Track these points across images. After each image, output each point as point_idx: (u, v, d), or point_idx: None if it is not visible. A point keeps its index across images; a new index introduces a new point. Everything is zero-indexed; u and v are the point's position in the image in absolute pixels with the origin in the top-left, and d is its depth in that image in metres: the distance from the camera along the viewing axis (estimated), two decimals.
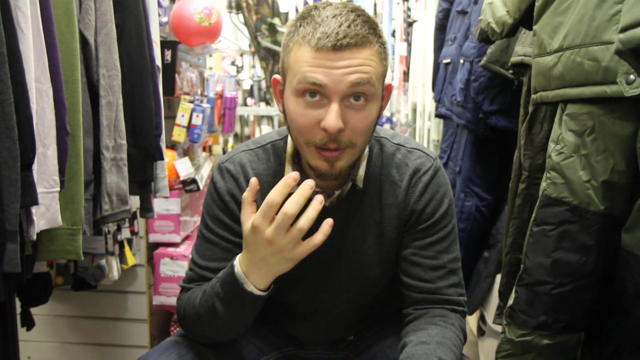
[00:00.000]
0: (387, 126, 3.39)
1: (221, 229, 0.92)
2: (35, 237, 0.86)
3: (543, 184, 0.99)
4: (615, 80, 0.85)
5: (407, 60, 3.91)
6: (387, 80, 0.86)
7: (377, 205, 0.93)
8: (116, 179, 1.10)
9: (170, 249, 1.77)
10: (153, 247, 1.78)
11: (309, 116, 0.79)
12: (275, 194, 0.76)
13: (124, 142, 1.14)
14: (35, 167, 0.85)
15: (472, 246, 2.04)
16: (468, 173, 2.04)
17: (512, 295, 1.01)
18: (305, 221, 0.77)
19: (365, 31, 0.77)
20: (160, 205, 1.75)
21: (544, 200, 0.96)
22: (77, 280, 1.56)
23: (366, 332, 1.05)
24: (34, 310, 1.40)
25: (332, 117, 0.77)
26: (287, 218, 0.76)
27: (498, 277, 1.85)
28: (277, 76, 0.86)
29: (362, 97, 0.79)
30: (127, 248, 1.64)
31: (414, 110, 4.09)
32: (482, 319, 1.91)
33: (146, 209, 1.26)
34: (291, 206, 0.76)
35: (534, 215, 0.99)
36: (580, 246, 0.91)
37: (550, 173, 0.97)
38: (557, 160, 0.95)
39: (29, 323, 1.41)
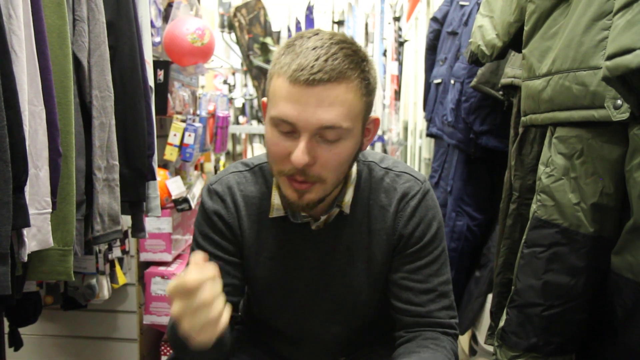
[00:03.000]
0: (378, 145, 3.41)
1: (211, 247, 0.93)
2: (26, 258, 0.85)
3: (533, 206, 1.00)
4: (603, 104, 0.86)
5: (399, 79, 3.95)
6: (374, 113, 0.86)
7: (366, 231, 0.93)
8: (108, 199, 1.10)
9: (162, 268, 1.76)
10: (144, 266, 1.77)
11: (280, 146, 0.80)
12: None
13: (117, 162, 1.14)
14: (27, 188, 0.84)
15: (463, 265, 2.04)
16: (459, 192, 2.05)
17: (503, 316, 1.02)
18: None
19: (344, 66, 0.75)
20: (151, 224, 1.74)
21: (534, 223, 0.97)
22: (67, 300, 1.55)
23: (357, 353, 1.04)
24: (22, 330, 1.38)
25: (298, 152, 0.77)
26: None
27: (489, 297, 1.86)
28: (264, 100, 0.87)
29: (334, 134, 0.78)
30: (117, 267, 1.63)
31: (405, 129, 4.12)
32: (473, 338, 1.91)
33: (138, 228, 1.25)
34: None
35: (524, 237, 1.00)
36: (570, 268, 0.92)
37: (540, 195, 0.98)
38: (547, 183, 0.96)
39: (16, 343, 1.39)
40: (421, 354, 0.86)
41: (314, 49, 0.76)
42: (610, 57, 0.70)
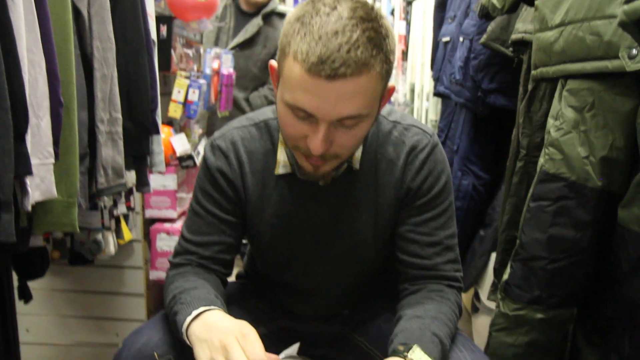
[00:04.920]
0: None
1: (209, 204, 0.92)
2: (29, 207, 0.85)
3: (541, 160, 0.98)
4: (617, 55, 0.84)
5: (406, 39, 3.87)
6: (390, 82, 0.81)
7: (373, 185, 0.92)
8: (112, 152, 1.09)
9: (167, 225, 1.77)
10: (149, 222, 1.78)
11: (297, 128, 0.77)
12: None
13: (119, 115, 1.12)
14: (29, 138, 0.83)
15: (468, 224, 2.05)
16: (465, 152, 2.04)
17: (507, 270, 1.02)
18: None
19: (367, 54, 0.70)
20: (156, 181, 1.74)
21: (541, 176, 0.96)
22: (74, 255, 1.56)
23: (361, 306, 1.05)
24: (31, 284, 1.40)
25: (317, 142, 0.75)
26: None
27: (493, 255, 1.86)
28: (273, 63, 0.82)
29: (354, 121, 0.75)
30: (123, 223, 1.63)
31: (412, 91, 4.07)
32: (476, 296, 1.93)
33: (142, 183, 1.25)
34: None
35: (531, 190, 0.99)
36: (576, 222, 0.92)
37: (548, 149, 0.96)
38: (556, 136, 0.95)
39: (26, 296, 1.42)
40: (425, 306, 0.86)
41: (335, 34, 0.69)
42: (628, 0, 0.67)
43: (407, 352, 0.72)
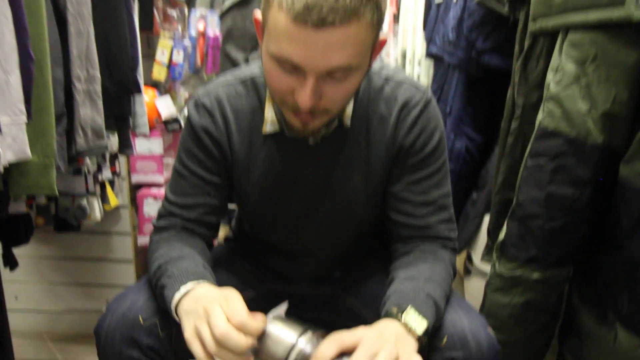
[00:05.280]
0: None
1: (193, 164, 0.89)
2: (1, 169, 0.81)
3: (540, 116, 0.95)
4: (622, 2, 0.79)
5: (397, 1, 3.76)
6: (382, 35, 0.76)
7: (364, 142, 0.88)
8: (90, 112, 1.04)
9: (154, 190, 1.73)
10: (136, 188, 1.74)
11: (283, 82, 0.73)
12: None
13: (98, 73, 1.06)
14: None
15: (460, 187, 2.02)
16: (458, 113, 2.00)
17: (503, 229, 0.99)
18: None
19: (357, 1, 0.65)
20: (142, 145, 1.69)
21: (540, 133, 0.93)
22: (59, 221, 1.53)
23: (353, 268, 1.03)
24: (18, 252, 1.37)
25: (305, 96, 0.70)
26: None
27: (486, 218, 1.85)
28: (257, 15, 0.76)
29: (343, 73, 0.71)
30: (108, 189, 1.59)
31: (404, 57, 3.98)
32: (468, 258, 1.92)
33: (125, 144, 1.21)
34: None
35: (529, 147, 0.95)
36: (575, 179, 0.89)
37: (547, 104, 0.92)
38: (556, 91, 0.90)
39: (11, 263, 1.38)
40: (419, 267, 0.84)
41: None
42: None
43: (401, 313, 0.70)
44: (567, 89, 0.89)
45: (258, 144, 0.88)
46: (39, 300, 1.81)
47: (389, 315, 0.71)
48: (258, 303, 1.02)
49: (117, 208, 1.69)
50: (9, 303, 1.80)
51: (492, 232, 1.35)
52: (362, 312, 0.98)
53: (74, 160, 1.05)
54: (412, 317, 0.70)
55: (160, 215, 0.92)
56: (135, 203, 1.72)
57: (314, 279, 1.03)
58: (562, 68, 0.90)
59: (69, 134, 1.02)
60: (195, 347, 0.65)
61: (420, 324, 0.70)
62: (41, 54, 0.89)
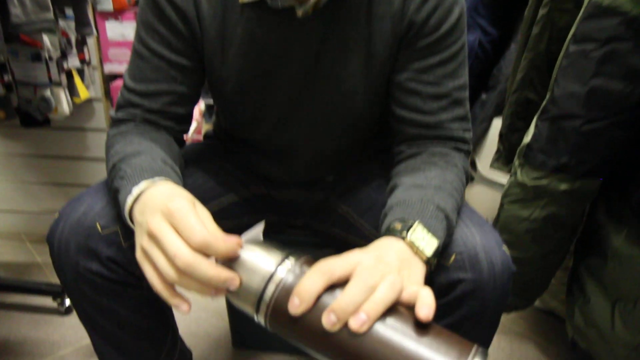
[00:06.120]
0: None
1: (155, 42, 0.72)
2: None
3: None
4: None
5: None
6: None
7: (365, 17, 0.71)
8: None
9: None
10: (110, 79, 1.56)
11: None
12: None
13: None
14: None
15: (470, 87, 1.85)
16: (474, 2, 1.77)
17: (531, 131, 0.84)
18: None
19: None
20: (114, 29, 1.49)
21: (590, 10, 0.74)
22: (24, 116, 1.37)
23: (348, 171, 0.89)
24: None
25: None
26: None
27: (495, 121, 1.70)
28: None
29: None
30: (77, 79, 1.41)
31: None
32: (472, 164, 1.80)
33: (82, 22, 1.02)
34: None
35: (572, 30, 0.77)
36: (628, 71, 0.71)
37: None
38: None
39: None
40: (427, 172, 0.69)
41: None
42: None
43: (407, 231, 0.55)
44: None
45: (234, 16, 0.71)
46: (13, 200, 1.70)
47: (391, 232, 0.56)
48: (240, 208, 0.89)
49: (89, 102, 1.52)
50: None
51: (505, 136, 1.21)
52: (357, 221, 0.86)
53: (14, 38, 0.86)
54: (420, 235, 0.56)
55: (119, 106, 0.77)
56: (110, 96, 1.55)
57: (303, 183, 0.89)
58: None
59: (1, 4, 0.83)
60: (150, 275, 0.51)
61: (429, 244, 0.56)
62: None
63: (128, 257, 0.69)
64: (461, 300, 0.67)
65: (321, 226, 0.93)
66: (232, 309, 1.21)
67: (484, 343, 0.76)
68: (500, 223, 0.91)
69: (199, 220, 0.48)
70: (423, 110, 0.73)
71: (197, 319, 1.36)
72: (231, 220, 0.88)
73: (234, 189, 0.88)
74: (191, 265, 0.46)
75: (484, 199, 1.38)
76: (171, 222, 0.48)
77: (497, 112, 1.81)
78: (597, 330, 0.84)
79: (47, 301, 1.37)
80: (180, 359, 0.90)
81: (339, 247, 0.91)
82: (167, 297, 0.50)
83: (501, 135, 1.23)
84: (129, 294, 0.73)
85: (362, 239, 0.84)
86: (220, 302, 1.37)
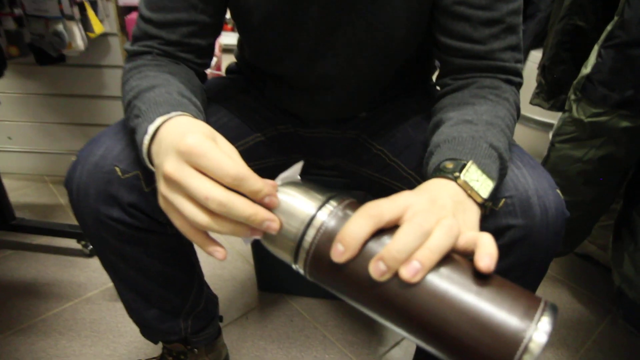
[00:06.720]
0: None
1: None
2: None
3: None
4: None
5: None
6: None
7: None
8: None
9: None
10: (125, 11, 1.47)
11: None
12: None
13: None
14: None
15: None
16: None
17: (591, 61, 0.75)
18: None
19: None
20: None
21: None
22: (39, 53, 1.31)
23: (383, 107, 0.82)
24: (2, 88, 1.17)
25: None
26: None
27: (533, 53, 1.59)
28: None
29: None
30: (90, 12, 1.34)
31: None
32: None
33: None
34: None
35: None
36: None
37: None
38: None
39: None
40: (476, 107, 0.62)
41: None
42: None
43: (459, 172, 0.49)
44: None
45: None
46: (33, 141, 1.67)
47: (441, 172, 0.50)
48: (266, 148, 0.84)
49: (104, 36, 1.45)
50: (2, 143, 1.68)
51: (548, 69, 1.11)
52: (393, 161, 0.80)
53: None
54: (474, 175, 0.49)
55: (135, 38, 0.70)
56: (125, 30, 1.47)
57: (334, 121, 0.83)
58: None
59: None
60: (179, 224, 0.45)
61: (484, 185, 0.49)
62: None
63: (151, 203, 0.65)
64: (509, 247, 0.62)
65: (352, 167, 0.87)
66: (257, 252, 1.18)
67: None
68: (550, 164, 0.83)
69: (224, 154, 0.42)
70: (472, 38, 0.65)
71: (222, 262, 1.34)
72: (257, 162, 0.83)
73: (260, 127, 0.82)
74: (226, 205, 0.41)
75: (519, 139, 1.30)
76: (190, 161, 0.42)
77: (535, 44, 1.70)
78: None
79: (72, 243, 1.36)
80: (207, 306, 0.88)
81: (372, 189, 0.86)
82: (202, 244, 0.45)
83: (543, 68, 1.14)
84: (153, 241, 0.70)
85: (399, 181, 0.79)
86: (246, 245, 1.35)
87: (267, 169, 0.83)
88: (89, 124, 1.62)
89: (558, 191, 0.64)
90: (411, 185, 0.75)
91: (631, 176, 0.89)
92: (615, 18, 0.71)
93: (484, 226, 0.60)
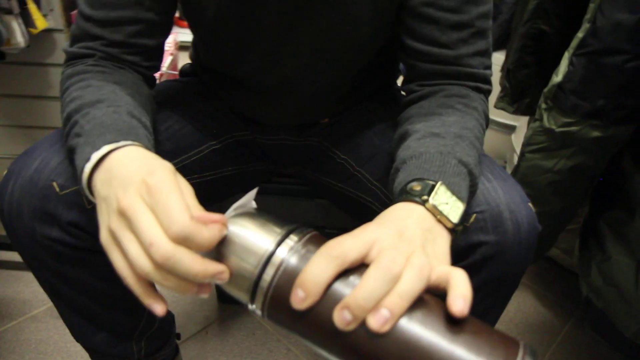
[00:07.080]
0: None
1: None
2: None
3: None
4: None
5: None
6: None
7: None
8: None
9: None
10: (71, 6, 1.38)
11: None
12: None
13: None
14: None
15: None
16: None
17: (562, 69, 0.72)
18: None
19: None
20: None
21: None
22: None
23: (347, 113, 0.78)
24: None
25: None
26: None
27: (496, 55, 1.59)
28: None
29: None
30: (32, 6, 1.24)
31: None
32: None
33: None
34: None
35: None
36: None
37: None
38: None
39: None
40: (444, 117, 0.59)
41: None
42: None
43: (427, 195, 0.45)
44: None
45: None
46: None
47: (408, 195, 0.45)
48: (223, 158, 0.78)
49: (48, 33, 1.35)
50: None
51: (512, 73, 1.10)
52: (357, 172, 0.76)
53: None
54: (443, 197, 0.45)
55: (74, 39, 0.64)
56: (71, 26, 1.38)
57: (295, 127, 0.78)
58: None
59: None
60: (119, 265, 0.40)
61: (454, 208, 0.45)
62: None
63: (94, 220, 0.58)
64: (481, 264, 0.59)
65: (315, 176, 0.83)
66: None
67: (499, 308, 0.69)
68: (520, 174, 0.81)
69: (181, 202, 0.37)
70: (440, 42, 0.62)
71: None
72: (212, 172, 0.77)
73: (215, 134, 0.77)
74: (170, 259, 0.35)
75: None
76: (149, 200, 0.37)
77: (500, 45, 1.70)
78: (617, 290, 0.77)
79: (15, 256, 1.26)
80: (161, 325, 0.82)
81: (336, 200, 0.82)
82: (140, 294, 0.39)
83: (508, 71, 1.12)
84: (97, 261, 0.63)
85: (364, 193, 0.75)
86: None
87: (223, 179, 0.78)
88: (32, 127, 1.51)
89: (530, 204, 0.62)
90: (377, 198, 0.72)
91: (597, 183, 0.89)
92: (587, 25, 0.69)
93: (454, 243, 0.56)
